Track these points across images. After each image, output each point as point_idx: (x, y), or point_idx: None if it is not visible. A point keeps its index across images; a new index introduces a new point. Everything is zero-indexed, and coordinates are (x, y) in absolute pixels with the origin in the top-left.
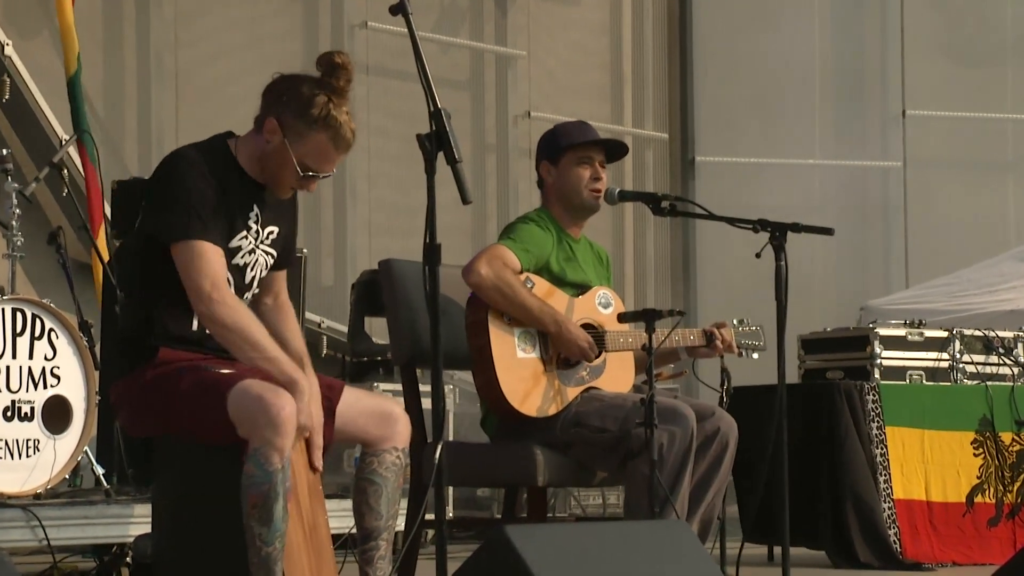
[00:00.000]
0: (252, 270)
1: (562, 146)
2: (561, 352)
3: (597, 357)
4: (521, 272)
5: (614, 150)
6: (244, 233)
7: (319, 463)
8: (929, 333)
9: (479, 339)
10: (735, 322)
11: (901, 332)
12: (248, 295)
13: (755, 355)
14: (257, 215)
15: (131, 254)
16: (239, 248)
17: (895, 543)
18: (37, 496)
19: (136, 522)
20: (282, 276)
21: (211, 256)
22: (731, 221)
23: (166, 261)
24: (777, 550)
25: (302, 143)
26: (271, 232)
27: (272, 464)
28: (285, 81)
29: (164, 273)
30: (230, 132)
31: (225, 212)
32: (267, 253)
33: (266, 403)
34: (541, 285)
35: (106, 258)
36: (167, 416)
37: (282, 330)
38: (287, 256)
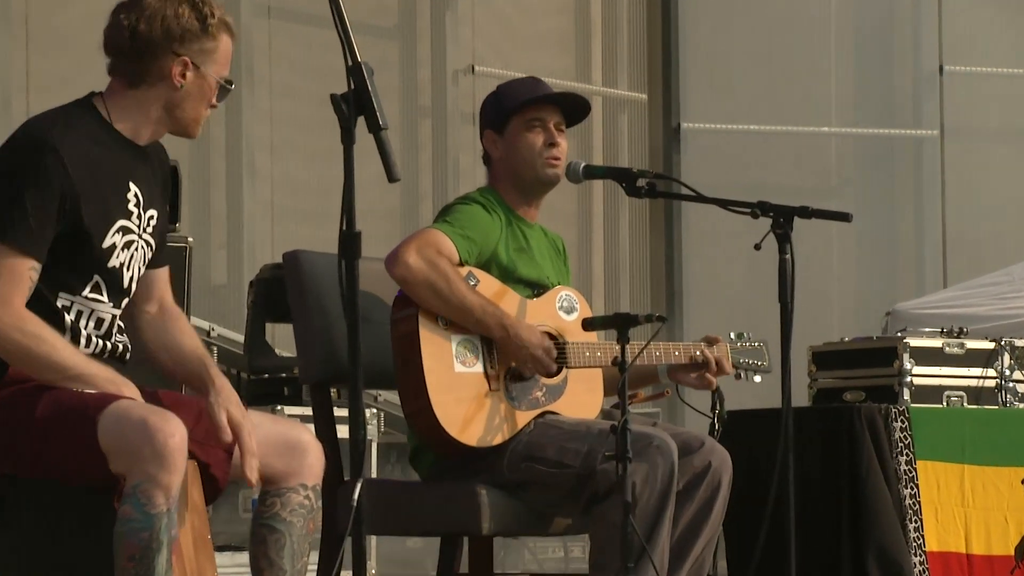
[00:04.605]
0: (129, 269)
1: (507, 109)
2: (511, 364)
3: (557, 373)
4: (461, 265)
5: (573, 109)
6: (122, 222)
7: (253, 473)
8: (971, 344)
9: (407, 350)
10: (732, 336)
11: (937, 343)
12: (125, 302)
13: (757, 378)
14: (137, 196)
15: None
16: (112, 247)
17: None
18: None
19: None
20: (164, 275)
21: (12, 270)
22: (725, 204)
23: None
24: None
25: (214, 59)
26: (151, 217)
27: (155, 505)
28: (152, 17)
29: None
30: (92, 92)
31: (98, 204)
32: (147, 245)
33: (151, 430)
34: (488, 283)
35: None
36: (19, 449)
37: (177, 340)
38: (163, 248)
